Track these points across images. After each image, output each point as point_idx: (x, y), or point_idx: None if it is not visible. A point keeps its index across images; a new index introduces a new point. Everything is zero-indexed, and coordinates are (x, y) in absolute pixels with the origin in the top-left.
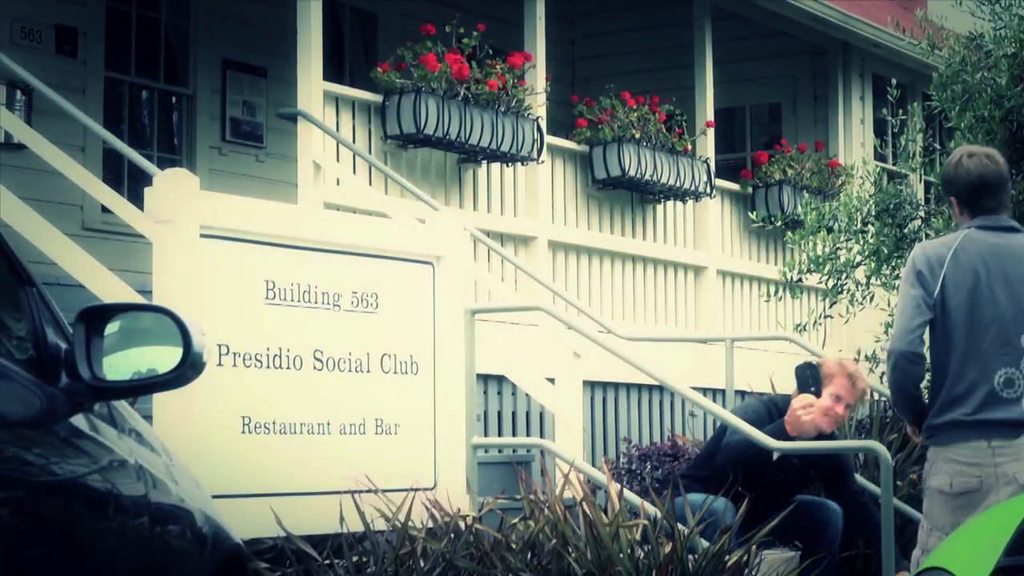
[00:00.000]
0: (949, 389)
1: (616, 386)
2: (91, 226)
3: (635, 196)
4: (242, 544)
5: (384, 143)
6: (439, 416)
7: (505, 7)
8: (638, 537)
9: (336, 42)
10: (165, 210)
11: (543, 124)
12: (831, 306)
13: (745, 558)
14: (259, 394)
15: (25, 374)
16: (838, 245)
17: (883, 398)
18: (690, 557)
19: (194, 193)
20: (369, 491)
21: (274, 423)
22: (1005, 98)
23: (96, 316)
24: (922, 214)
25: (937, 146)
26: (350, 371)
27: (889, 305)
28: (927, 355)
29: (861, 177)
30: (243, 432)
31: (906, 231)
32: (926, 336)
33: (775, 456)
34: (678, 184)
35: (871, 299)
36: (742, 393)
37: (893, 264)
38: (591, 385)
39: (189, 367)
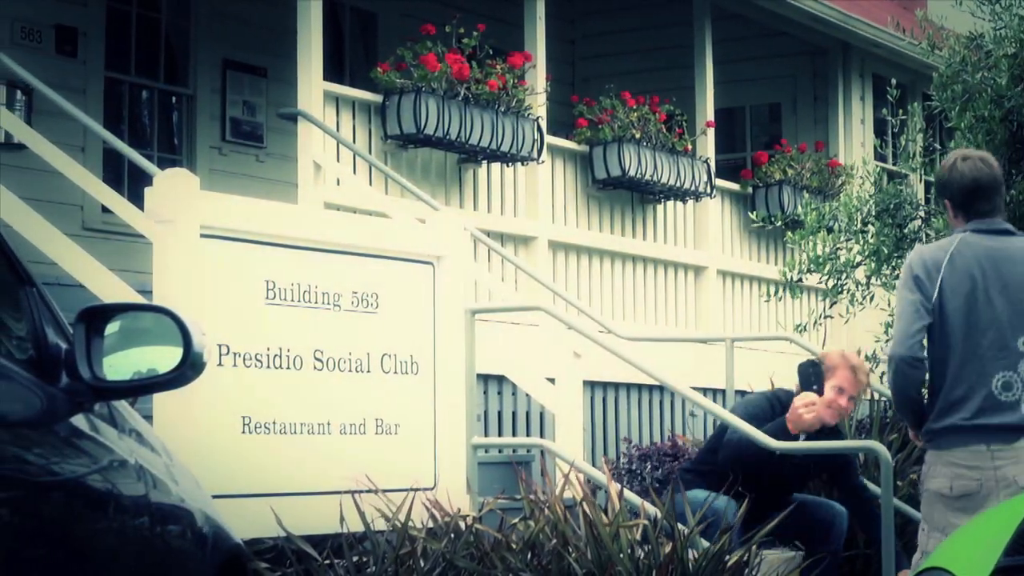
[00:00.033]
0: (947, 393)
1: (616, 386)
2: (91, 226)
3: (635, 196)
4: (242, 544)
5: (384, 143)
6: (439, 416)
7: (505, 7)
8: (638, 537)
9: (336, 42)
10: (165, 210)
11: (543, 124)
12: (831, 306)
13: (745, 558)
14: (259, 394)
15: (25, 374)
16: (838, 245)
17: (883, 398)
18: (690, 557)
19: (194, 193)
20: (369, 491)
21: (274, 423)
22: (1005, 98)
23: (96, 316)
24: (922, 214)
25: (937, 146)
26: (350, 371)
27: (889, 305)
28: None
29: (861, 177)
30: (243, 432)
31: (906, 231)
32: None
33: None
34: (678, 184)
35: (871, 299)
36: (742, 393)
37: (893, 264)
38: (591, 385)
39: (189, 367)
